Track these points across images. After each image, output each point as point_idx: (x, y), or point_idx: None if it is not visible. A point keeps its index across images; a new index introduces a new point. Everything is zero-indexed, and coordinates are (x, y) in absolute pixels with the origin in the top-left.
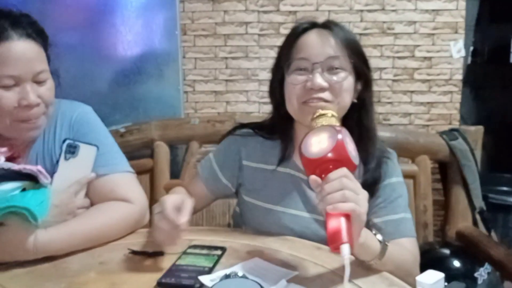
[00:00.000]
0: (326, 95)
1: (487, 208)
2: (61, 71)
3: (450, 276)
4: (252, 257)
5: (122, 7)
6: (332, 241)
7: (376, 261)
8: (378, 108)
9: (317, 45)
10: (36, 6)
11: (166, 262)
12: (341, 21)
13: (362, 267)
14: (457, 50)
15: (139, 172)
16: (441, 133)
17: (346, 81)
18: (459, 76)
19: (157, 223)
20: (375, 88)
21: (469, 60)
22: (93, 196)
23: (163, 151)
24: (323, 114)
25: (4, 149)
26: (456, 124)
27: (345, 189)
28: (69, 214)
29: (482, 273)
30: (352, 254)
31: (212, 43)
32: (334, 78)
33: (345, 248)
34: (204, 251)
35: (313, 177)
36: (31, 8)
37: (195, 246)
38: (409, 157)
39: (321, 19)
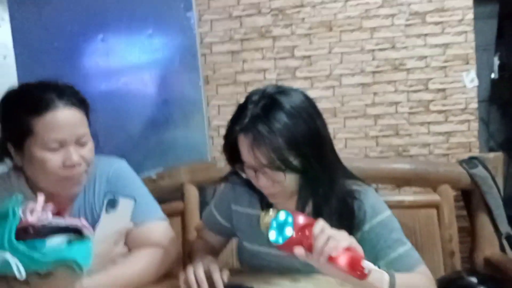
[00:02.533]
0: (274, 189)
1: None
2: (96, 121)
3: None
4: None
5: (149, 64)
6: (353, 269)
7: None
8: (396, 141)
9: (250, 156)
10: (70, 65)
11: None
12: (353, 61)
13: None
14: (470, 80)
15: (171, 214)
16: (461, 162)
17: (287, 178)
18: (474, 105)
19: (190, 277)
20: (391, 121)
21: (496, 75)
22: (131, 242)
23: (192, 193)
24: (265, 213)
25: (50, 205)
26: (476, 151)
27: (331, 236)
28: (110, 262)
29: None
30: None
31: (233, 91)
32: (276, 176)
33: (367, 263)
34: None
35: (296, 250)
36: (60, 57)
37: (230, 286)
38: (430, 187)
39: (252, 103)
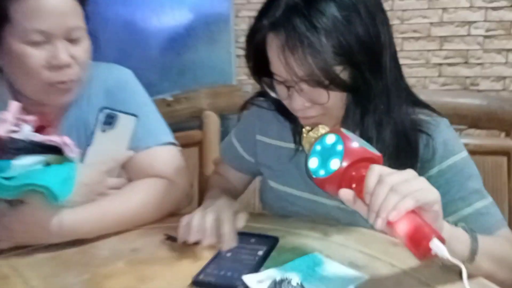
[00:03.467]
0: (313, 112)
1: None
2: (108, 37)
3: None
4: (311, 251)
5: None
6: (415, 246)
7: (467, 263)
8: (465, 71)
9: (281, 65)
10: None
11: (206, 253)
12: None
13: (450, 272)
14: None
15: (187, 145)
16: None
17: (331, 98)
18: None
19: (194, 221)
20: (461, 46)
21: None
22: (130, 172)
23: (213, 121)
24: (311, 129)
25: (32, 117)
26: None
27: (394, 186)
28: (99, 194)
29: None
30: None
31: None
32: (316, 95)
33: (437, 243)
34: (252, 241)
35: (344, 192)
36: None
37: (241, 234)
38: (502, 130)
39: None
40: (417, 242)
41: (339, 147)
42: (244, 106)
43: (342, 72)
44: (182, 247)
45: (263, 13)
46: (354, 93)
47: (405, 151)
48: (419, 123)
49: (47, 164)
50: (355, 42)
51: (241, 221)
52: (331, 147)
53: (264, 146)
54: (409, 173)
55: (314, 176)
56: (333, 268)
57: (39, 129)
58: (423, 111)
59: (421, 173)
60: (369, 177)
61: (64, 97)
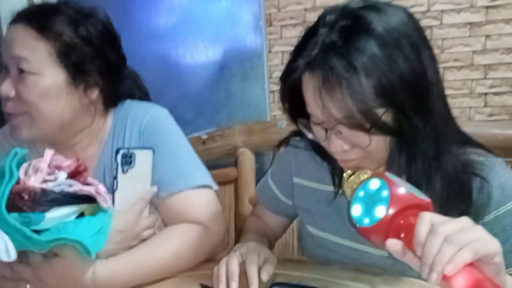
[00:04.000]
0: (353, 155)
1: None
2: (143, 74)
3: None
4: None
5: (203, 4)
6: None
7: None
8: None
9: (317, 106)
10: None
11: None
12: None
13: None
14: None
15: (223, 183)
16: None
17: (373, 141)
18: None
19: (221, 269)
20: (507, 74)
21: None
22: (164, 216)
23: (247, 159)
24: (353, 173)
25: (68, 163)
26: None
27: (448, 237)
28: (135, 239)
29: None
30: None
31: (302, 33)
32: (356, 139)
33: None
34: None
35: (391, 242)
36: (112, 12)
37: (280, 285)
38: None
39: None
40: None
41: (385, 193)
42: (279, 146)
43: (384, 115)
44: None
45: (298, 51)
46: (398, 136)
47: (457, 197)
48: (472, 165)
49: (81, 214)
50: (399, 82)
51: (270, 266)
52: (376, 193)
53: (301, 188)
54: (464, 221)
55: (358, 225)
56: None
57: (74, 174)
58: (475, 151)
59: (475, 220)
60: (419, 226)
61: (14, 132)
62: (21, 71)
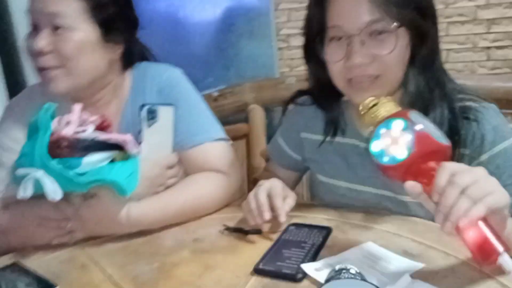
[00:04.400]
0: (371, 70)
1: None
2: (152, 33)
3: None
4: (364, 241)
5: None
6: (484, 257)
7: None
8: None
9: (350, 8)
10: None
11: (264, 243)
12: None
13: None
14: None
15: (235, 138)
16: None
17: (396, 48)
18: None
19: (251, 203)
20: (510, 28)
21: None
22: (187, 166)
23: (258, 114)
24: (375, 104)
25: (93, 118)
26: None
27: (465, 189)
28: (160, 186)
29: None
30: None
31: None
32: (379, 48)
33: (505, 259)
34: (306, 232)
35: (410, 184)
36: None
37: (296, 225)
38: None
39: None
40: (486, 253)
41: (409, 137)
42: (287, 104)
43: (412, 38)
44: (241, 237)
45: None
46: (417, 43)
47: (456, 136)
48: (467, 110)
49: (113, 160)
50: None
51: (291, 200)
52: (399, 134)
53: (309, 142)
54: (481, 172)
55: (377, 162)
56: (388, 257)
57: (100, 129)
58: (471, 98)
59: (471, 160)
60: (440, 176)
61: (49, 86)
62: (56, 28)
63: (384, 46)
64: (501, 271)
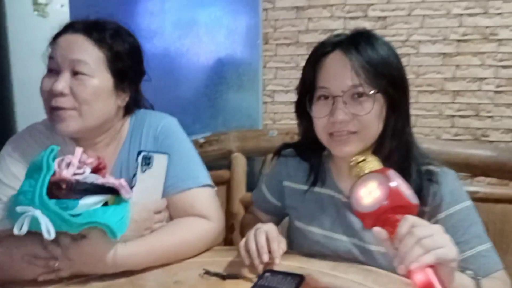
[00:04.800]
0: (351, 126)
1: None
2: (147, 83)
3: None
4: None
5: (205, 17)
6: None
7: None
8: (476, 123)
9: (336, 74)
10: (124, 13)
11: (242, 286)
12: (436, 26)
13: None
14: None
15: (216, 183)
16: None
17: (372, 110)
18: None
19: (250, 242)
20: (473, 100)
21: None
22: (173, 210)
23: (240, 162)
24: (362, 160)
25: (91, 160)
26: None
27: (420, 240)
28: (147, 229)
29: None
30: None
31: (294, 52)
32: (358, 109)
33: None
34: (281, 278)
35: (377, 229)
36: (119, 15)
37: (272, 272)
38: (510, 179)
39: (349, 31)
40: None
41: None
42: (274, 156)
43: (387, 87)
44: (219, 281)
45: (322, 44)
46: (391, 108)
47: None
48: (430, 173)
49: (106, 203)
50: (395, 68)
51: (284, 244)
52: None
53: (290, 190)
54: (436, 228)
55: (355, 208)
56: None
57: (96, 171)
58: (433, 162)
59: (430, 217)
60: (402, 226)
61: (60, 126)
62: (76, 73)
63: (363, 108)
64: None
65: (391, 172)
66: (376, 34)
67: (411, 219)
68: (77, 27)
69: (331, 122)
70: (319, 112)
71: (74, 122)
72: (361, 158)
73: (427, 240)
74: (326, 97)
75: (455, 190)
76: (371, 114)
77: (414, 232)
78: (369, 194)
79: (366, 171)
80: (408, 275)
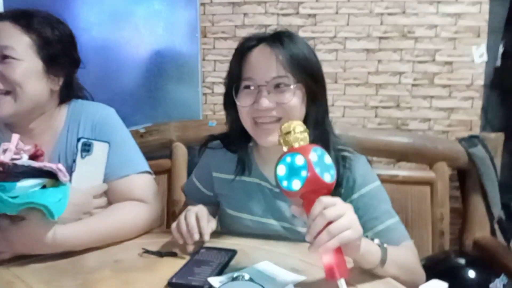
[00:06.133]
0: (274, 113)
1: (507, 218)
2: (85, 71)
3: (464, 286)
4: (262, 260)
5: (144, 10)
6: (328, 276)
7: (379, 268)
8: (397, 113)
9: (261, 65)
10: (60, 5)
11: (178, 263)
12: (360, 24)
13: (366, 274)
14: (479, 54)
15: (158, 172)
16: (460, 140)
17: (294, 99)
18: (480, 82)
19: (181, 223)
20: (393, 92)
21: (499, 62)
22: (112, 195)
23: (181, 152)
24: (289, 132)
25: (28, 147)
26: (477, 130)
27: (331, 222)
28: (86, 213)
29: (498, 284)
30: (355, 263)
31: (231, 46)
32: (280, 97)
33: (342, 284)
34: (215, 253)
35: (293, 208)
36: (56, 7)
37: (206, 248)
38: (426, 163)
39: (273, 29)
40: (330, 275)
41: (303, 173)
42: (200, 148)
43: (307, 78)
44: (157, 259)
45: (249, 38)
46: (309, 97)
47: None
48: (344, 159)
49: (44, 186)
50: (314, 63)
51: (213, 224)
52: (298, 168)
53: (219, 180)
54: (345, 208)
55: (278, 183)
56: (278, 271)
57: (33, 158)
58: (347, 149)
59: (345, 197)
60: (314, 207)
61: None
62: (5, 57)
63: (285, 96)
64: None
65: (316, 150)
66: (297, 34)
67: (324, 200)
68: (5, 15)
69: (255, 109)
70: (244, 101)
71: (8, 106)
72: (288, 129)
73: (333, 225)
74: (250, 87)
75: (365, 172)
76: (292, 102)
77: (325, 214)
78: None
79: (295, 145)
80: (318, 253)
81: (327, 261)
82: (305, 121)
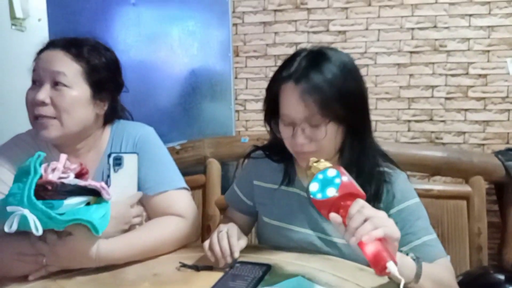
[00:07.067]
0: (310, 147)
1: None
2: (127, 93)
3: None
4: (295, 275)
5: (179, 31)
6: (376, 264)
7: (414, 283)
8: (430, 127)
9: (291, 104)
10: (101, 28)
11: (214, 277)
12: (391, 39)
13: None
14: None
15: (193, 188)
16: (497, 153)
17: (328, 134)
18: None
19: (214, 244)
20: (426, 106)
21: None
22: (152, 210)
23: (215, 167)
24: (317, 161)
25: (74, 166)
26: None
27: (370, 218)
28: (126, 224)
29: None
30: (389, 277)
31: (263, 64)
32: (314, 134)
33: (392, 265)
34: (250, 268)
35: (332, 214)
36: (96, 31)
37: (241, 263)
38: (462, 177)
39: (306, 48)
40: (378, 261)
41: (337, 180)
42: (245, 158)
43: (338, 113)
44: (194, 273)
45: (281, 70)
46: (346, 128)
47: (374, 193)
48: (384, 174)
49: (88, 203)
50: (351, 91)
51: (244, 242)
52: (331, 179)
53: (260, 189)
54: (382, 213)
55: (312, 197)
56: (311, 287)
57: (79, 176)
58: (388, 165)
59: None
60: (353, 207)
61: (42, 132)
62: (56, 84)
63: (318, 133)
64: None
65: (341, 168)
66: (330, 55)
67: (361, 201)
68: (57, 43)
69: (294, 142)
70: (283, 133)
71: (55, 129)
72: (315, 160)
73: (375, 219)
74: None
75: (405, 189)
76: (326, 138)
77: (363, 211)
78: (326, 184)
79: (321, 168)
80: (358, 247)
81: (372, 249)
82: (343, 147)
